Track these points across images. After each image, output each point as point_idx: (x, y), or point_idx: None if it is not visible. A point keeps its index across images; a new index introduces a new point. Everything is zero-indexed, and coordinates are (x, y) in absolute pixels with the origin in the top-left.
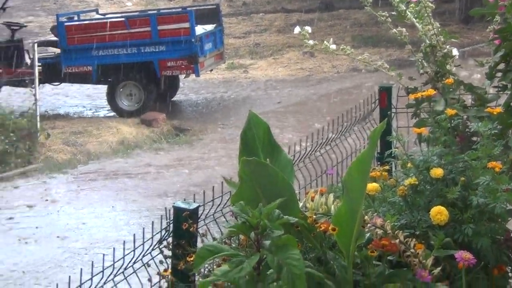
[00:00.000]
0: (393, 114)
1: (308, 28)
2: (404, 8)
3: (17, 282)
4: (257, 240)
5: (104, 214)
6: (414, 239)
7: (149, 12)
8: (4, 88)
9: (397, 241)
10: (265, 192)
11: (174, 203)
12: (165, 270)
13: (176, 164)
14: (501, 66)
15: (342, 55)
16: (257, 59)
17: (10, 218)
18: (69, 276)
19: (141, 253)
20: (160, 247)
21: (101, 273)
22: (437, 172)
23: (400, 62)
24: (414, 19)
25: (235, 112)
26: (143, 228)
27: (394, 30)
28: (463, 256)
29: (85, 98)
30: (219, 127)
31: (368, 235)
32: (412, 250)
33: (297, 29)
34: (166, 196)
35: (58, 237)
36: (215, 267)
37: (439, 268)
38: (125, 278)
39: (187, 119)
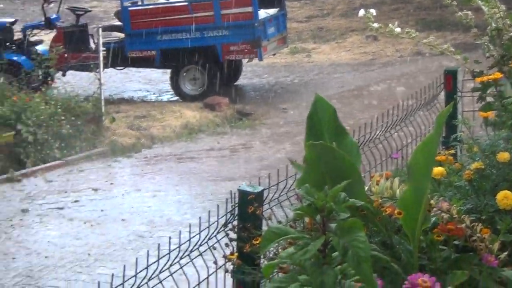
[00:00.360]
0: (458, 98)
1: (373, 11)
2: None
3: (82, 265)
4: (323, 222)
5: (168, 198)
6: (480, 224)
7: None
8: (69, 72)
9: (463, 225)
10: (331, 175)
11: (239, 187)
12: (231, 253)
13: (239, 148)
14: None
15: (406, 39)
16: (320, 43)
17: (76, 201)
18: (136, 258)
19: (206, 236)
20: (226, 230)
21: (168, 255)
22: (504, 156)
23: (465, 46)
24: (480, 1)
25: (297, 96)
26: (209, 211)
27: (460, 13)
28: None
29: (148, 82)
30: (282, 111)
31: (434, 219)
32: (478, 235)
33: (361, 12)
34: (229, 180)
35: (122, 220)
36: (280, 250)
37: (505, 253)
38: (191, 261)
39: (250, 103)
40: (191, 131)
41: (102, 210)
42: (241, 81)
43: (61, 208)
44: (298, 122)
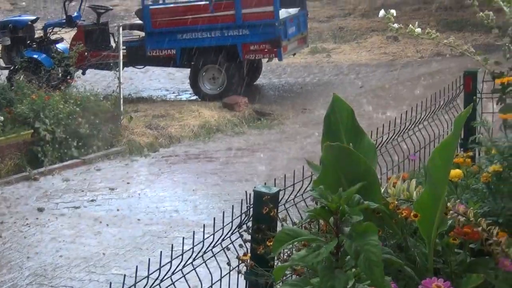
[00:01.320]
0: (478, 99)
1: (393, 11)
2: None
3: (97, 264)
4: (337, 225)
5: (185, 198)
6: (497, 227)
7: None
8: (89, 70)
9: (480, 228)
10: (348, 177)
11: (254, 187)
12: (245, 254)
13: (257, 148)
14: None
15: (426, 40)
16: (340, 43)
17: (92, 200)
18: (149, 259)
19: (220, 237)
20: (240, 231)
21: (181, 256)
22: None
23: (486, 47)
24: (501, 2)
25: (317, 96)
26: (223, 212)
27: (481, 13)
28: None
29: (168, 81)
30: (301, 112)
31: (450, 222)
32: (495, 238)
33: (381, 13)
34: (246, 180)
35: (138, 219)
36: (294, 252)
37: None
38: (204, 262)
39: (268, 103)
40: (209, 130)
41: (118, 210)
42: (261, 80)
43: (77, 207)
44: (317, 122)
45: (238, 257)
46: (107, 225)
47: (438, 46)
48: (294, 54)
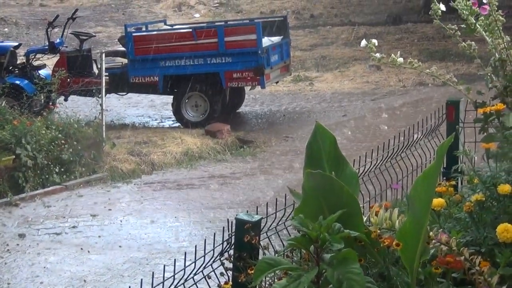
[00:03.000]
0: (460, 129)
1: (375, 41)
2: (474, 21)
3: None
4: (317, 253)
5: (167, 225)
6: (479, 257)
7: (217, 23)
8: (72, 97)
9: (462, 258)
10: (330, 205)
11: (236, 215)
12: (226, 283)
13: (240, 176)
14: None
15: (409, 69)
16: (323, 72)
17: (74, 227)
18: (129, 286)
19: (202, 264)
20: (221, 259)
21: (161, 284)
22: (505, 188)
23: (468, 77)
24: (483, 32)
25: (299, 124)
26: (205, 240)
27: (463, 43)
28: None
29: (150, 108)
30: (284, 140)
31: (432, 251)
32: (477, 268)
33: (363, 43)
34: (229, 208)
35: (120, 246)
36: (276, 280)
37: (504, 287)
38: None
39: (251, 131)
40: (192, 158)
41: (99, 236)
42: (243, 108)
43: (59, 234)
44: (300, 151)
45: (219, 286)
46: (89, 251)
47: (421, 75)
48: (277, 82)
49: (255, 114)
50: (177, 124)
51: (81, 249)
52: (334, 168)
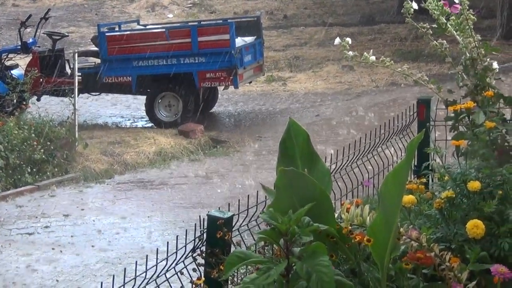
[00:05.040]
0: (431, 127)
1: (348, 40)
2: (445, 21)
3: None
4: (287, 247)
5: (140, 225)
6: (449, 253)
7: (190, 23)
8: (44, 97)
9: (432, 254)
10: (302, 202)
11: (208, 212)
12: (198, 279)
13: (213, 176)
14: None
15: (381, 69)
16: (296, 72)
17: (46, 227)
18: (101, 283)
19: (174, 261)
20: (194, 255)
21: (133, 280)
22: (475, 185)
23: (440, 77)
24: (454, 31)
25: (273, 124)
26: (177, 236)
27: (435, 42)
28: (499, 270)
29: (123, 108)
30: (257, 139)
31: (403, 247)
32: (447, 264)
33: (337, 41)
34: (202, 207)
35: (93, 246)
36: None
37: (474, 282)
38: (157, 286)
39: (224, 131)
40: (165, 157)
41: (72, 236)
42: (217, 108)
43: (31, 234)
44: (273, 150)
45: (192, 281)
46: (61, 251)
47: (393, 75)
48: (250, 82)
49: (228, 114)
50: (150, 124)
51: (53, 249)
52: (307, 164)
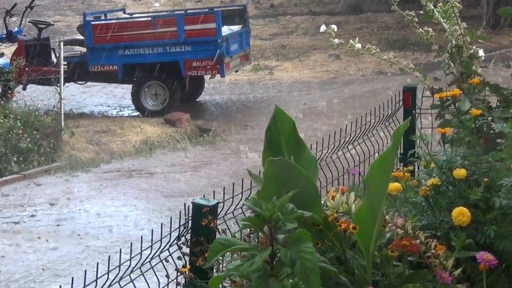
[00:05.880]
0: (417, 115)
1: (334, 27)
2: (432, 8)
3: (36, 280)
4: (271, 233)
5: (126, 213)
6: (435, 240)
7: (176, 12)
8: (30, 86)
9: (418, 241)
10: (288, 190)
11: (193, 200)
12: (184, 266)
13: (199, 164)
14: None
15: (368, 58)
16: (282, 61)
17: (32, 216)
18: (85, 270)
19: (158, 249)
20: (179, 243)
21: (118, 268)
22: (460, 172)
23: (426, 66)
24: (441, 19)
25: (259, 113)
26: (161, 224)
27: (421, 30)
28: (485, 257)
29: (109, 97)
30: (243, 128)
31: (388, 235)
32: (433, 251)
33: (323, 28)
34: (188, 196)
35: (79, 235)
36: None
37: (459, 270)
38: (142, 274)
39: (211, 120)
40: (151, 146)
41: (58, 225)
42: (203, 97)
43: (17, 223)
44: (259, 139)
45: (177, 269)
46: (47, 240)
47: (380, 64)
48: (236, 71)
49: (215, 103)
50: (137, 113)
51: (39, 238)
52: (293, 152)
